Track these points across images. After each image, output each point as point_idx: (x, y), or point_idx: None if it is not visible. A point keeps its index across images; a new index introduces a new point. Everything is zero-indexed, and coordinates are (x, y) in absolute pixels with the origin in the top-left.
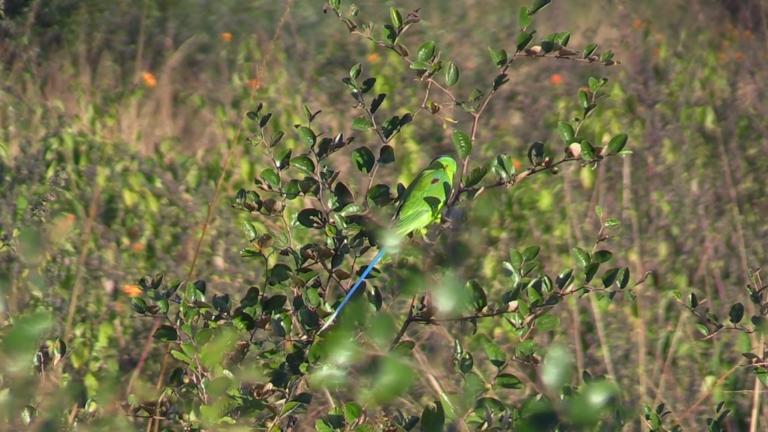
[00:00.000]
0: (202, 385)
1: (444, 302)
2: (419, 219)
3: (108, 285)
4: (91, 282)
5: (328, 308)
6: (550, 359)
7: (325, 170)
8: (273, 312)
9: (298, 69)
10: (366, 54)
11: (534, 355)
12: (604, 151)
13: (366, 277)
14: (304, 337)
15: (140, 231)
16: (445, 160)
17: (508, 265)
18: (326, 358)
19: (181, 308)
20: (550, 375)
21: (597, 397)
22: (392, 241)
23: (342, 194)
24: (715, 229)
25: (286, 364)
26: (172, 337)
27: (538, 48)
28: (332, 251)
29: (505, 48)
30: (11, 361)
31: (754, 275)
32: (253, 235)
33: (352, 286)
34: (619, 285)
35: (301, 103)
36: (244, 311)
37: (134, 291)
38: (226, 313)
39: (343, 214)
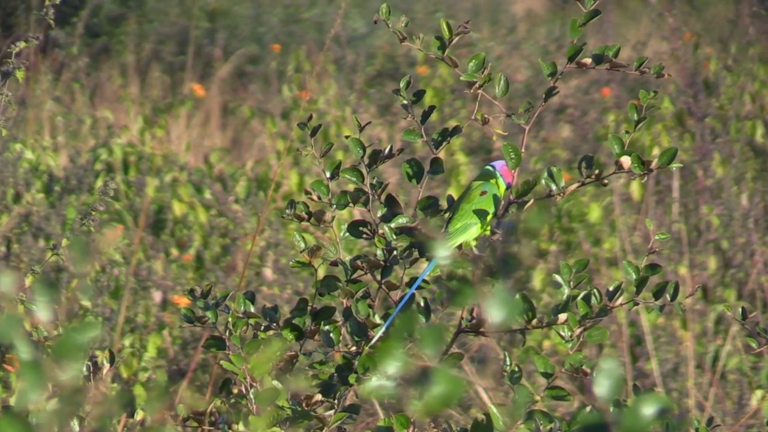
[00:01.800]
0: (251, 396)
1: (494, 314)
2: (468, 231)
3: (157, 295)
4: (140, 292)
5: (377, 319)
6: (602, 371)
7: (374, 181)
8: (322, 323)
9: (347, 80)
10: (415, 66)
11: (583, 367)
12: (654, 164)
13: (415, 289)
14: (354, 348)
15: (189, 242)
16: (489, 174)
17: (558, 278)
18: (375, 369)
19: (230, 319)
20: (601, 387)
21: (648, 410)
22: (443, 253)
23: (392, 205)
24: (764, 242)
25: (335, 374)
26: (221, 348)
27: (588, 60)
28: (382, 262)
29: (554, 60)
30: (60, 370)
31: None
32: (303, 245)
33: (401, 298)
34: (669, 298)
35: (350, 114)
36: (293, 322)
37: (183, 301)
38: (275, 324)
39: (392, 225)
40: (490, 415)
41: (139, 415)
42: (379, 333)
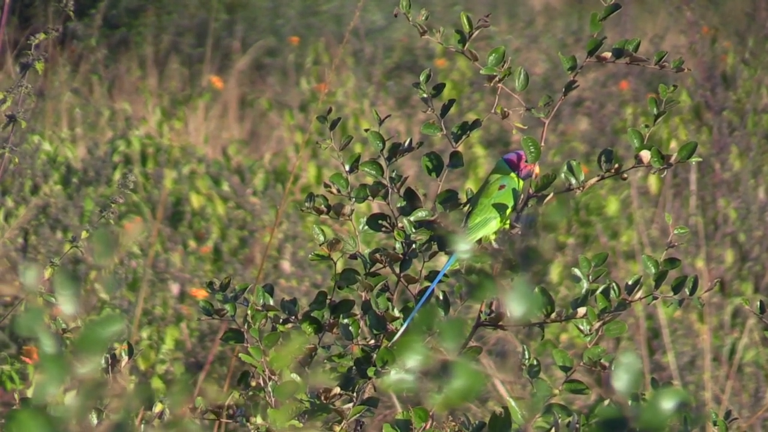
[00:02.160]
0: (270, 389)
1: (515, 308)
2: (488, 226)
3: (174, 288)
4: (158, 285)
5: (396, 313)
6: (621, 365)
7: (393, 175)
8: (341, 316)
9: (366, 73)
10: (434, 59)
11: (602, 361)
12: (673, 159)
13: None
14: (372, 341)
15: (207, 234)
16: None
17: (577, 271)
18: (394, 362)
19: (249, 311)
20: (620, 381)
21: (667, 404)
22: (464, 247)
23: (411, 199)
24: None
25: (354, 368)
26: (240, 340)
27: (608, 54)
28: (401, 256)
29: (572, 54)
30: (80, 363)
31: None
32: (322, 238)
33: (420, 291)
34: (688, 293)
35: (368, 107)
36: (312, 315)
37: (201, 294)
38: (294, 317)
39: (412, 218)
40: (509, 409)
41: (157, 408)
42: (402, 329)
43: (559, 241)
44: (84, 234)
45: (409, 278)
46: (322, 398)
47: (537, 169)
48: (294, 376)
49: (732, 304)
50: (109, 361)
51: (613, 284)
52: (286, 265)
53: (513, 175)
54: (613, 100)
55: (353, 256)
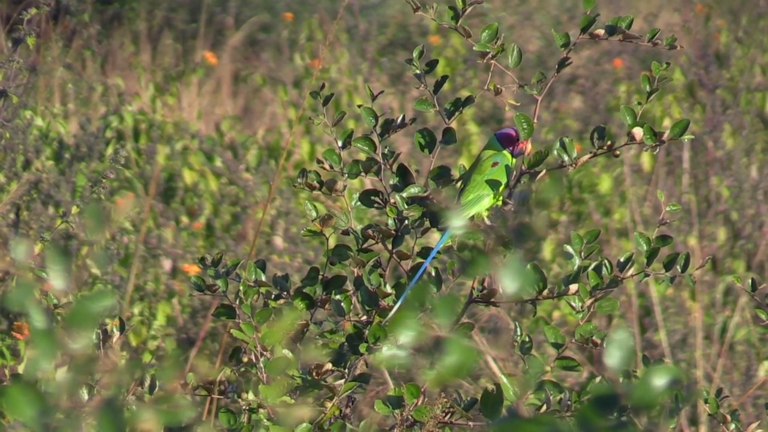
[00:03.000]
0: (261, 365)
1: (507, 284)
2: (481, 203)
3: (166, 264)
4: (150, 260)
5: (388, 289)
6: (613, 342)
7: (386, 151)
8: (333, 292)
9: (359, 49)
10: (427, 35)
11: (593, 338)
12: (666, 136)
13: (426, 259)
14: (364, 317)
15: (200, 210)
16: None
17: (569, 248)
18: (386, 338)
19: (241, 287)
20: (613, 358)
21: (659, 381)
22: (457, 224)
23: (403, 175)
24: None
25: (346, 344)
26: (232, 316)
27: (601, 31)
28: (393, 232)
29: (566, 31)
30: (72, 338)
31: None
32: (315, 214)
33: (412, 268)
34: (680, 270)
35: (362, 83)
36: (304, 291)
37: (193, 270)
38: (286, 293)
39: (404, 194)
40: (501, 385)
41: (147, 382)
42: (396, 307)
43: (552, 219)
44: (75, 209)
45: (402, 254)
46: (314, 374)
47: (529, 146)
48: (286, 352)
49: (724, 282)
50: (101, 336)
51: (605, 261)
52: (278, 241)
53: (506, 152)
54: (607, 77)
55: (345, 232)
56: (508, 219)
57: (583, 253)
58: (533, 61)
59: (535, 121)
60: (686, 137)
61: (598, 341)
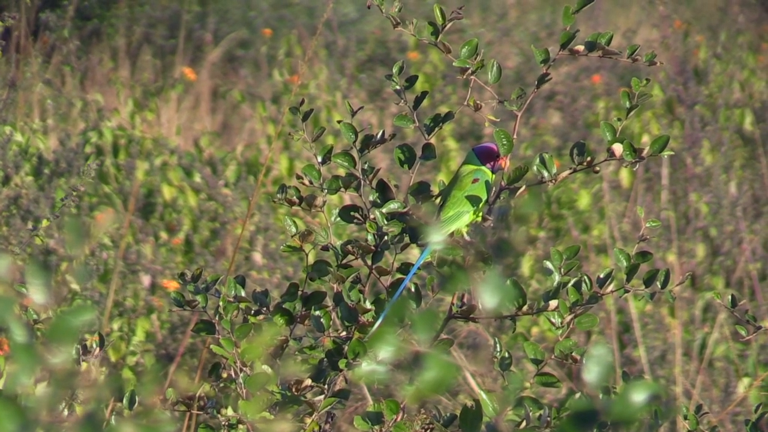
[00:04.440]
0: (241, 380)
1: (487, 300)
2: (460, 219)
3: (146, 279)
4: (129, 276)
5: (367, 305)
6: (592, 357)
7: (366, 166)
8: (313, 308)
9: (338, 65)
10: (406, 51)
11: (573, 354)
12: (645, 152)
13: (406, 274)
14: (344, 333)
15: (178, 226)
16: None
17: (548, 264)
18: (366, 354)
19: (221, 303)
20: (592, 373)
21: (638, 396)
22: (437, 239)
23: (383, 191)
24: (752, 230)
25: (325, 360)
26: (211, 332)
27: (581, 47)
28: (372, 248)
29: (546, 47)
30: (52, 353)
31: None
32: (294, 230)
33: (392, 284)
34: (659, 286)
35: (341, 99)
36: (283, 306)
37: (172, 285)
38: (265, 309)
39: (384, 210)
40: (480, 402)
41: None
42: (377, 324)
43: (531, 235)
44: (45, 222)
45: (381, 270)
46: (293, 390)
47: (507, 162)
48: (265, 367)
49: (703, 299)
50: (80, 352)
51: (585, 277)
52: (257, 257)
53: (485, 167)
54: (586, 93)
55: (325, 248)
56: (487, 235)
57: (562, 269)
58: (512, 77)
59: (515, 136)
60: (665, 153)
61: (578, 357)
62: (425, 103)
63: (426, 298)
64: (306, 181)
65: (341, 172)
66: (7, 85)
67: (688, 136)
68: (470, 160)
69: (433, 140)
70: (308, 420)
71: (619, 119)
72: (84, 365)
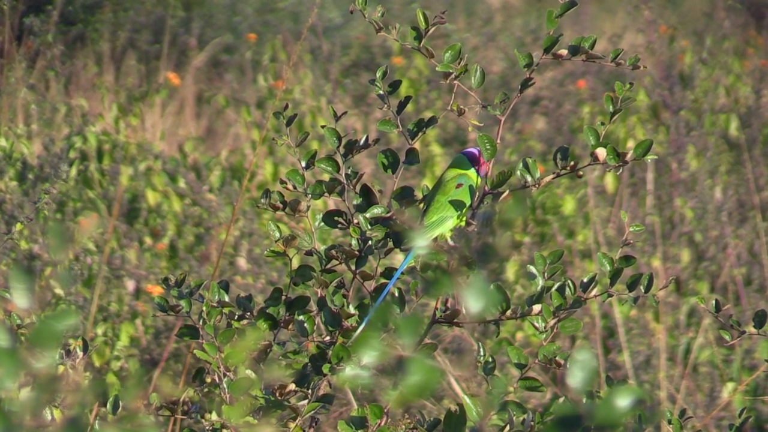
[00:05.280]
0: (225, 385)
1: (471, 305)
2: (444, 224)
3: (130, 284)
4: (113, 281)
5: (351, 310)
6: (576, 362)
7: (350, 171)
8: (296, 312)
9: (323, 71)
10: (391, 56)
11: (557, 358)
12: (629, 156)
13: (390, 279)
14: (328, 338)
15: (163, 231)
16: (462, 163)
17: (532, 269)
18: (349, 359)
19: (205, 308)
20: (576, 378)
21: (622, 401)
22: (421, 243)
23: (367, 196)
24: (737, 236)
25: (309, 364)
26: (195, 337)
27: (564, 51)
28: (356, 252)
29: (530, 52)
30: (35, 358)
31: None
32: (278, 235)
33: (376, 289)
34: (643, 290)
35: (325, 104)
36: (267, 311)
37: (156, 290)
38: (249, 313)
39: (367, 215)
40: (464, 406)
41: (110, 404)
42: (360, 328)
43: (515, 240)
44: (19, 226)
45: (365, 275)
46: (277, 395)
47: (490, 167)
48: (249, 372)
49: (687, 304)
50: (64, 357)
51: (569, 282)
52: (242, 262)
53: (470, 171)
54: (571, 99)
55: (309, 253)
56: (471, 240)
57: (546, 274)
58: (497, 82)
59: (499, 142)
60: (649, 158)
61: (562, 362)
62: (410, 108)
63: (410, 302)
64: (290, 186)
65: (325, 177)
66: None
67: (673, 141)
68: (455, 164)
69: (417, 145)
70: (292, 425)
71: (602, 123)
72: (62, 368)
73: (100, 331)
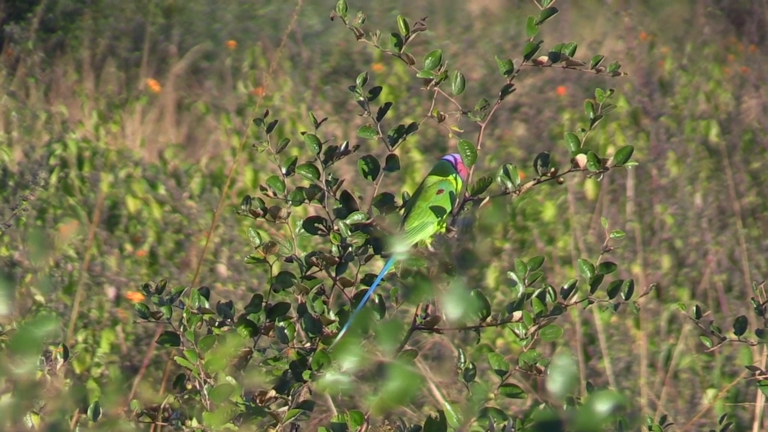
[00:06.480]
0: (205, 392)
1: (451, 311)
2: (425, 230)
3: (110, 291)
4: (94, 288)
5: (331, 316)
6: (556, 368)
7: (330, 178)
8: (277, 319)
9: (303, 77)
10: (371, 63)
11: (537, 365)
12: (609, 163)
13: (370, 286)
14: (308, 344)
15: (143, 238)
16: (446, 169)
17: (513, 275)
18: (330, 365)
19: (185, 314)
20: (555, 384)
21: (602, 406)
22: (401, 250)
23: (347, 202)
24: (718, 242)
25: (289, 371)
26: (175, 343)
27: (545, 58)
28: (336, 259)
29: (510, 59)
30: (15, 364)
31: (758, 288)
32: (258, 241)
33: (356, 295)
34: (623, 297)
35: (305, 111)
36: (247, 318)
37: (137, 297)
38: (229, 320)
39: (348, 222)
40: (444, 413)
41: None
42: (341, 335)
43: (496, 246)
44: None
45: (345, 281)
46: (258, 401)
47: (470, 173)
48: (229, 379)
49: (668, 310)
50: (44, 363)
51: (549, 288)
52: (222, 269)
53: (451, 177)
54: (551, 105)
55: (289, 260)
56: (451, 246)
57: (526, 281)
58: (477, 89)
59: (479, 147)
60: (630, 164)
61: (542, 368)
62: (390, 114)
63: (390, 309)
64: (270, 193)
65: (305, 183)
66: None
67: (653, 147)
68: (436, 170)
69: (397, 152)
70: (272, 431)
71: (583, 130)
72: (41, 373)
73: (80, 337)
